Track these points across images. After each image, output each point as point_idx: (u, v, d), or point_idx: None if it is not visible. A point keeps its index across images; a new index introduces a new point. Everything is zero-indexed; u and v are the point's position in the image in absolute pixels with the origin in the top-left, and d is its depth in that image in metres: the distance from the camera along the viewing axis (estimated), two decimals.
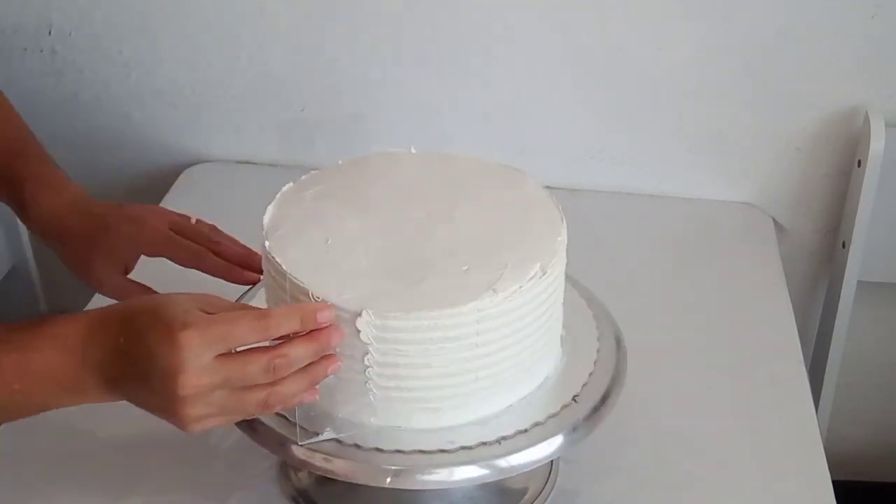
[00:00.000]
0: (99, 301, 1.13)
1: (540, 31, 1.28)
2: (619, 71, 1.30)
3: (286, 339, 0.71)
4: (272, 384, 0.71)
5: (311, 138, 1.38)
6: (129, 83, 1.37)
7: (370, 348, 0.74)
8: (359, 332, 0.73)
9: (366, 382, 0.76)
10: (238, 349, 0.70)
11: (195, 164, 1.41)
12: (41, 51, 1.35)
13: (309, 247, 0.79)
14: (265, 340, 0.70)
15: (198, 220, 0.96)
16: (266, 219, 0.83)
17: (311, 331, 0.71)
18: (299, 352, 0.71)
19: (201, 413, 0.69)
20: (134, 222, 0.93)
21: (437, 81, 1.33)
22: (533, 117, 1.34)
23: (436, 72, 1.32)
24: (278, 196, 0.86)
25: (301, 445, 0.77)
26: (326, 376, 0.73)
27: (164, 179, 1.39)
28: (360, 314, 0.73)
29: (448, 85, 1.33)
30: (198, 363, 0.67)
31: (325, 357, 0.72)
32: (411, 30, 1.30)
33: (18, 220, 1.38)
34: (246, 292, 0.94)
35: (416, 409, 0.78)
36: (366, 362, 0.75)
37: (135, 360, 0.69)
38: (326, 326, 0.71)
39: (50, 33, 1.34)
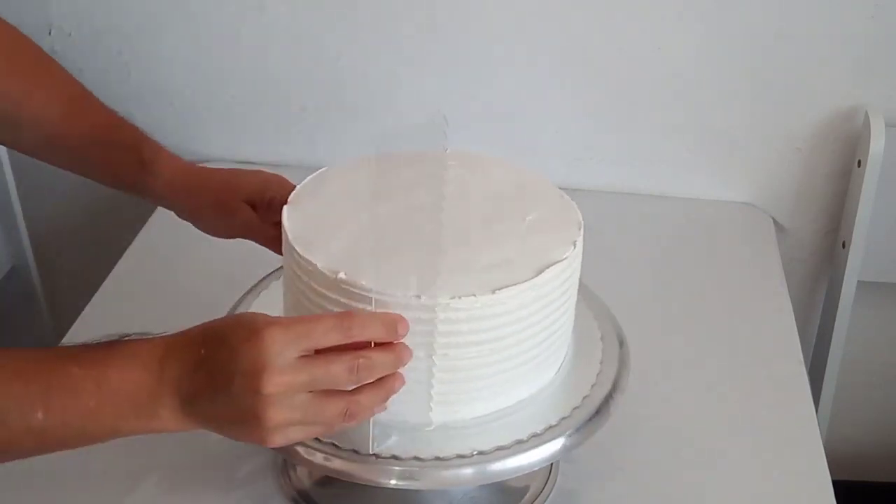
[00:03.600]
0: (99, 300, 1.14)
1: (540, 32, 1.29)
2: (619, 71, 1.30)
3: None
4: (352, 393, 0.71)
5: (311, 138, 1.38)
6: (129, 83, 1.37)
7: (434, 347, 0.75)
8: (425, 331, 0.74)
9: (430, 381, 0.77)
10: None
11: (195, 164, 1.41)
12: None
13: (350, 252, 0.79)
14: (345, 341, 0.70)
15: None
16: (285, 220, 0.82)
17: (386, 343, 0.72)
18: (381, 358, 0.71)
19: (283, 417, 0.68)
20: (261, 172, 0.96)
21: (438, 81, 1.33)
22: (533, 117, 1.34)
23: (436, 71, 1.32)
24: (291, 196, 0.86)
25: (374, 453, 0.77)
26: (395, 392, 0.73)
27: None
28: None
29: (448, 85, 1.33)
30: (282, 360, 0.67)
31: (392, 374, 0.73)
32: (411, 30, 1.30)
33: (18, 220, 1.39)
34: (257, 284, 0.94)
35: (468, 401, 0.79)
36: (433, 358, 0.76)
37: (216, 367, 0.68)
38: (401, 342, 0.72)
39: (50, 33, 1.34)
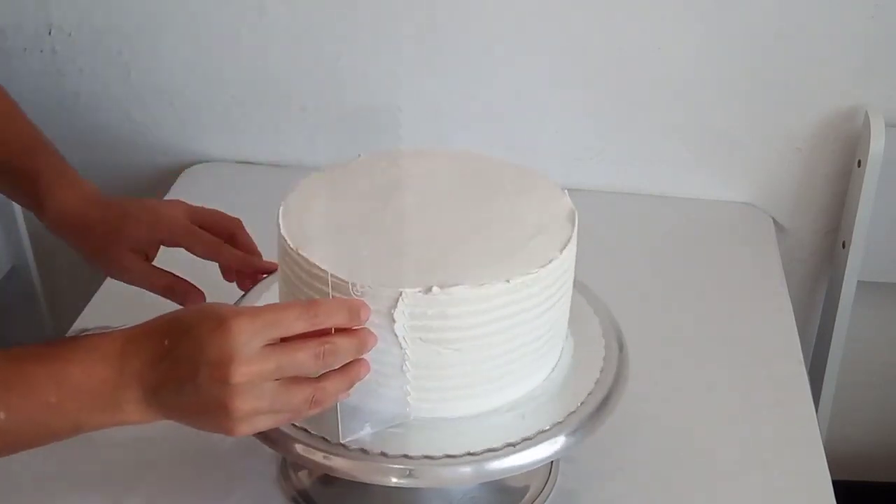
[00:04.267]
0: (99, 300, 1.14)
1: (540, 31, 1.29)
2: (619, 71, 1.30)
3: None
4: (318, 380, 0.71)
5: (311, 138, 1.38)
6: (129, 83, 1.37)
7: (405, 339, 0.75)
8: (394, 321, 0.74)
9: (404, 373, 0.77)
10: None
11: (195, 164, 1.41)
12: (41, 51, 1.35)
13: (334, 243, 0.79)
14: (311, 329, 0.70)
15: (219, 212, 0.97)
16: (281, 215, 0.82)
17: (351, 329, 0.72)
18: (345, 343, 0.71)
19: (251, 406, 0.69)
20: (153, 212, 0.95)
21: (438, 81, 1.33)
22: (533, 117, 1.34)
23: (436, 72, 1.32)
24: (291, 193, 0.86)
25: (344, 443, 0.77)
26: (360, 379, 0.74)
27: (164, 179, 1.40)
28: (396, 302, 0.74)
29: (448, 85, 1.33)
30: (249, 349, 0.67)
31: (357, 360, 0.73)
32: (411, 30, 1.30)
33: (18, 220, 1.39)
34: (250, 290, 0.94)
35: (453, 398, 0.79)
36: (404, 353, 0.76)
37: (181, 358, 0.69)
38: (364, 327, 0.73)
39: (50, 33, 1.34)
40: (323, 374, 0.72)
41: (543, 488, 0.91)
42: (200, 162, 1.41)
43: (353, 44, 1.32)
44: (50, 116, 1.38)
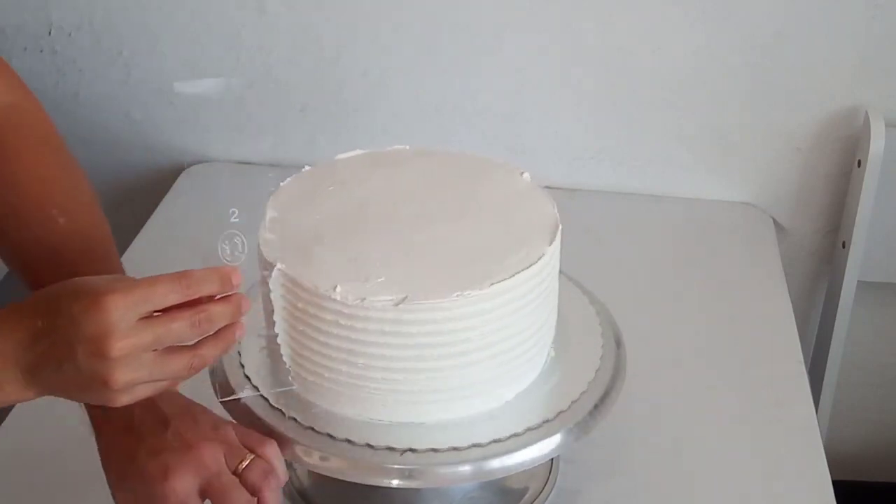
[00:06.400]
0: None
1: (540, 31, 1.29)
2: (619, 71, 1.30)
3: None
4: (195, 347, 0.72)
5: (311, 138, 1.39)
6: (129, 83, 1.37)
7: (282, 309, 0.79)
8: (270, 290, 0.78)
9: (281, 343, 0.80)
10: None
11: (195, 164, 1.41)
12: (41, 51, 1.35)
13: (290, 229, 0.82)
14: (185, 300, 0.70)
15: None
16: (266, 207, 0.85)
17: (227, 296, 0.73)
18: (219, 310, 0.72)
19: (130, 377, 0.69)
20: None
21: (438, 81, 1.33)
22: (533, 117, 1.34)
23: (436, 72, 1.32)
24: (279, 188, 0.87)
25: (221, 401, 0.81)
26: (235, 341, 0.74)
27: (164, 179, 1.40)
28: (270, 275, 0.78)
29: (448, 84, 1.33)
30: (125, 324, 0.68)
31: (232, 324, 0.73)
32: (411, 30, 1.30)
33: None
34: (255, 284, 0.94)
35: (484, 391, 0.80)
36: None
37: (56, 337, 0.69)
38: (238, 293, 0.73)
39: (50, 33, 1.34)
40: (200, 340, 0.72)
41: (543, 488, 0.91)
42: (200, 162, 1.41)
43: (353, 43, 1.32)
44: (50, 116, 1.38)
